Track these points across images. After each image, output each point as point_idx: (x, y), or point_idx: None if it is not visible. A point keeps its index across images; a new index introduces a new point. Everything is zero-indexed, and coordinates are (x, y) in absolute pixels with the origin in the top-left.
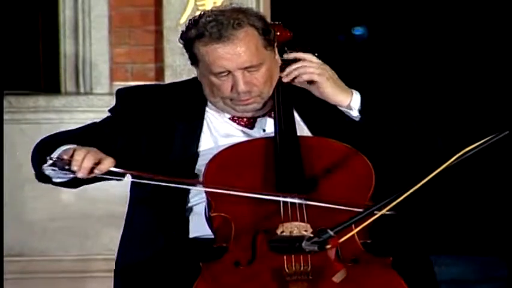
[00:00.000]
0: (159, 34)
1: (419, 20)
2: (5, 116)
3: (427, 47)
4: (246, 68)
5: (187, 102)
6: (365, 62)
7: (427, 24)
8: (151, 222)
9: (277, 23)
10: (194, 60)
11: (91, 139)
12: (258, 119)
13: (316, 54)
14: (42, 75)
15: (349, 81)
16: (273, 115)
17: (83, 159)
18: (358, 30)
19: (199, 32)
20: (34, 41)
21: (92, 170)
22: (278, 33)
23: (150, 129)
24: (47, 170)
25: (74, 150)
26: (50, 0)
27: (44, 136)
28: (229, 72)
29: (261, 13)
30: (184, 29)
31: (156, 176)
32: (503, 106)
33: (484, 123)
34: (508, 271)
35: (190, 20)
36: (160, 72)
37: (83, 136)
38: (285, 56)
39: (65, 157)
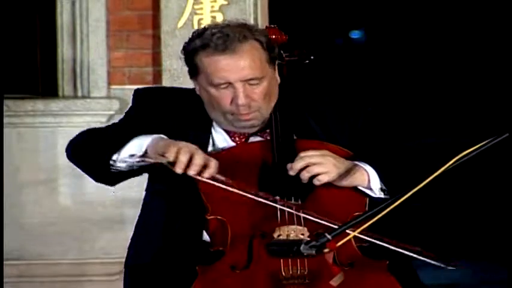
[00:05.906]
0: (156, 38)
1: (416, 23)
2: (3, 120)
3: (425, 51)
4: (247, 81)
5: (200, 113)
6: (362, 65)
7: (424, 28)
8: (166, 216)
9: (272, 26)
10: (194, 72)
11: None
12: (251, 138)
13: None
14: (40, 79)
15: (348, 82)
16: (263, 135)
17: (190, 160)
18: (355, 34)
19: (204, 43)
20: (32, 45)
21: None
22: (273, 36)
23: (165, 131)
24: (123, 163)
25: (179, 149)
26: (47, 4)
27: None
28: (230, 84)
29: (264, 30)
30: (187, 41)
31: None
32: (502, 108)
33: (483, 125)
34: (507, 275)
35: (194, 32)
36: (157, 76)
37: (122, 133)
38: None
39: (169, 157)
